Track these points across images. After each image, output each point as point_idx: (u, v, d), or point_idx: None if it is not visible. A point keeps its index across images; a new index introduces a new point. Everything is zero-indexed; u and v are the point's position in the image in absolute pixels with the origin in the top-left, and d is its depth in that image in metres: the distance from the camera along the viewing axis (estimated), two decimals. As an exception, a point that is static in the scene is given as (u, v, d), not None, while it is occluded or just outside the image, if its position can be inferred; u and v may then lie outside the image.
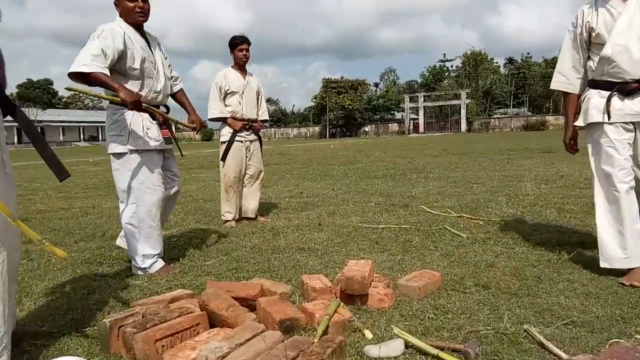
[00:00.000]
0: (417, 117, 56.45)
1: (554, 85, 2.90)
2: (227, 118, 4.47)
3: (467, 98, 52.08)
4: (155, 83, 3.04)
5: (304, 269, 2.98)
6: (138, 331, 1.79)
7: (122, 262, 3.33)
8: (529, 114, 57.92)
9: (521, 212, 4.57)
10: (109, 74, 2.70)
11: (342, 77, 58.91)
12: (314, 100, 62.45)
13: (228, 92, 4.48)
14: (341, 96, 55.85)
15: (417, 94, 57.83)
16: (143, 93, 2.94)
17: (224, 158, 4.48)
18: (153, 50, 3.06)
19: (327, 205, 5.44)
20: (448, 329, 2.05)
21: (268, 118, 4.89)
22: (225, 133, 4.51)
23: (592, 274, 2.68)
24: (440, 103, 55.56)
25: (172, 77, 3.31)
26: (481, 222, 4.16)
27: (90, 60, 2.64)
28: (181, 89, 3.43)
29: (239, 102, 4.48)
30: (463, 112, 52.37)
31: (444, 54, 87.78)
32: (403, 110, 58.01)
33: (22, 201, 6.64)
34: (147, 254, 3.00)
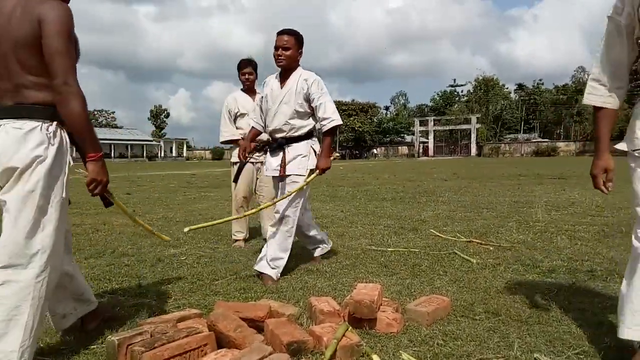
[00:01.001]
0: (427, 140, 56.59)
1: (588, 99, 2.04)
2: (238, 140, 4.44)
3: (477, 123, 52.18)
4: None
5: (312, 291, 2.97)
6: (146, 350, 1.80)
7: (131, 279, 3.35)
8: (540, 139, 57.76)
9: (532, 238, 4.53)
10: None
11: (352, 100, 59.67)
12: (325, 122, 62.75)
13: (238, 114, 4.50)
14: (352, 118, 56.31)
15: (427, 118, 58.13)
16: None
17: (236, 179, 4.47)
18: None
19: (335, 227, 5.44)
20: (457, 355, 2.03)
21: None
22: (236, 155, 4.39)
23: (604, 303, 2.64)
24: (451, 127, 55.72)
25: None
26: (491, 248, 4.13)
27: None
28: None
29: (249, 124, 4.45)
30: (473, 136, 52.43)
31: (454, 79, 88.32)
32: (413, 134, 58.23)
33: (34, 216, 6.70)
34: None
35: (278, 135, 3.45)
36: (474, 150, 51.87)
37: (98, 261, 3.93)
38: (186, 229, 3.04)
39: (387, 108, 76.83)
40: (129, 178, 17.46)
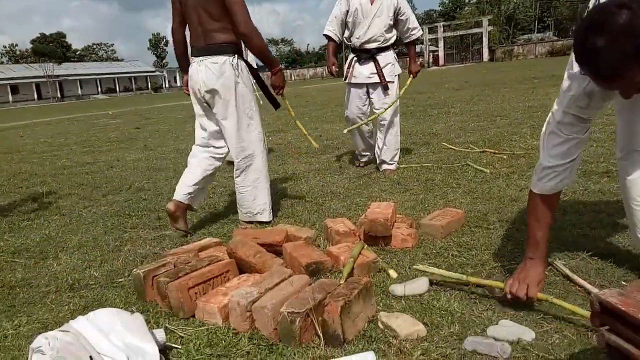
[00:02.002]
0: (436, 49, 54.41)
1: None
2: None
3: (489, 25, 49.72)
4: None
5: (327, 212, 3.02)
6: (171, 280, 1.87)
7: (150, 213, 3.43)
8: (555, 38, 55.18)
9: (546, 143, 4.46)
10: None
11: (357, 11, 56.71)
12: (329, 37, 60.45)
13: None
14: (357, 31, 54.03)
15: (436, 24, 55.43)
16: None
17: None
18: None
19: (346, 148, 5.42)
20: (472, 265, 2.08)
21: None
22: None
23: (619, 204, 2.63)
24: (461, 32, 53.21)
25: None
26: (505, 157, 4.10)
27: None
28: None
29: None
30: (485, 40, 50.16)
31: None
32: (422, 43, 55.98)
33: (49, 157, 6.81)
34: None
35: (371, 46, 3.88)
36: (486, 55, 49.91)
37: (116, 197, 4.01)
38: (345, 130, 4.01)
39: (393, 17, 73.27)
40: (137, 112, 17.39)
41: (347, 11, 3.88)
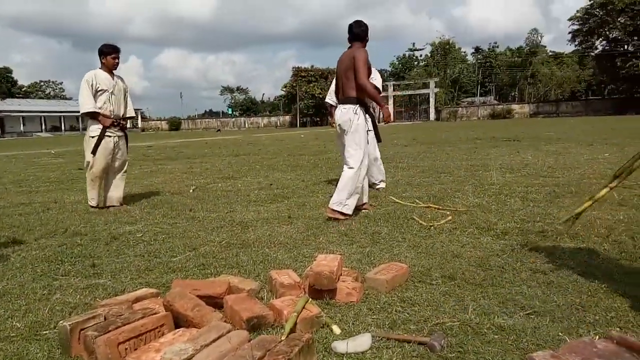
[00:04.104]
0: (387, 106, 56.77)
1: None
2: (98, 114, 4.89)
3: (435, 87, 52.69)
4: None
5: (273, 263, 2.96)
6: (100, 334, 1.74)
7: (85, 259, 3.24)
8: (495, 102, 59.09)
9: (487, 201, 4.66)
10: None
11: (312, 66, 58.55)
12: (284, 89, 61.85)
13: (98, 89, 4.91)
14: (311, 85, 55.51)
15: (386, 83, 58.10)
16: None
17: (94, 152, 4.92)
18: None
19: (297, 197, 5.42)
20: (415, 321, 2.07)
21: (134, 115, 5.52)
22: (95, 129, 4.93)
23: (554, 263, 2.76)
24: (410, 92, 56.00)
25: None
26: (448, 212, 4.23)
27: None
28: None
29: (109, 99, 4.97)
30: (432, 100, 53.02)
31: (413, 43, 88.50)
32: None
33: (-21, 196, 6.36)
34: None
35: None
36: (432, 115, 52.57)
37: (49, 241, 3.77)
38: (564, 219, 3.02)
39: (347, 74, 76.16)
40: (81, 152, 16.78)
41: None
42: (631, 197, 4.48)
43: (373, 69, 5.10)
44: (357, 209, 4.38)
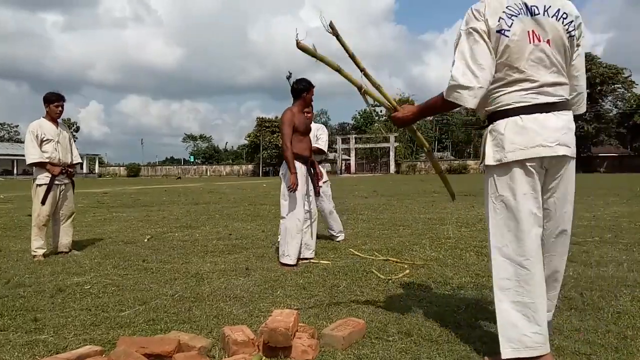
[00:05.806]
0: (349, 158, 57.95)
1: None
2: (46, 163, 4.96)
3: (395, 141, 54.43)
4: None
5: (228, 318, 2.87)
6: (34, 398, 1.61)
7: (26, 313, 3.04)
8: (452, 158, 61.35)
9: (443, 255, 4.74)
10: None
11: (276, 117, 59.49)
12: (248, 138, 62.32)
13: (44, 139, 4.98)
14: (275, 135, 56.17)
15: (348, 136, 59.62)
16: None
17: (44, 201, 4.94)
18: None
19: (256, 248, 5.35)
20: (371, 380, 2.03)
21: (80, 161, 5.64)
22: (42, 177, 5.00)
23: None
24: (371, 145, 57.57)
25: None
26: (406, 266, 4.26)
27: None
28: None
29: (55, 148, 5.04)
30: (392, 154, 54.61)
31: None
32: (335, 151, 59.37)
33: None
34: None
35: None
36: (392, 168, 54.00)
37: (-13, 294, 3.53)
38: None
39: (309, 126, 77.62)
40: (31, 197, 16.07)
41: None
42: (580, 253, 4.67)
43: (321, 127, 5.76)
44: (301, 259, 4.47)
